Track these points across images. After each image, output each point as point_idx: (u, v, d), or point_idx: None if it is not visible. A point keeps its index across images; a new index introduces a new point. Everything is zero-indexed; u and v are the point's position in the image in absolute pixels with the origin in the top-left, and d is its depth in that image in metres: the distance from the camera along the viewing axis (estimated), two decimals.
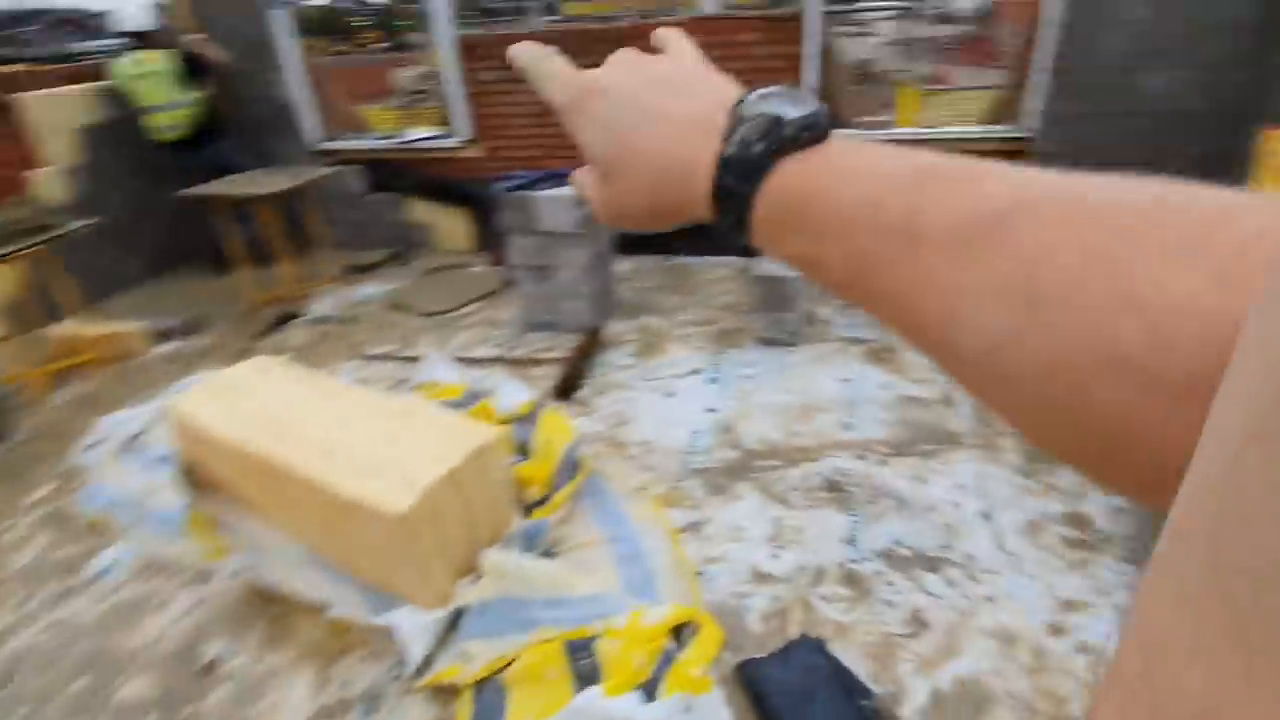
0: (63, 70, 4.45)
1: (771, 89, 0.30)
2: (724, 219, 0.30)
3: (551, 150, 4.36)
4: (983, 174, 0.24)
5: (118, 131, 4.25)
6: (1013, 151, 3.57)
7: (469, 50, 4.21)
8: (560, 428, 2.34)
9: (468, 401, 2.54)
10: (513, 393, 2.61)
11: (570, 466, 2.22)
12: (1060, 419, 0.20)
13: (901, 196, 0.25)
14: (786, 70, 3.81)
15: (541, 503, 2.14)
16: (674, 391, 2.88)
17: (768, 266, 3.07)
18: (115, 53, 4.28)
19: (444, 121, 4.53)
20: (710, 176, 0.29)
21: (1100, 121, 3.37)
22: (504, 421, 2.44)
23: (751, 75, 3.88)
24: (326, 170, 4.11)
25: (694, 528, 2.14)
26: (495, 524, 1.97)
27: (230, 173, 3.94)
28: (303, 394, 2.14)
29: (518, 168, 4.11)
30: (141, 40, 4.09)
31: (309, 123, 4.66)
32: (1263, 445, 0.09)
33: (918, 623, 1.78)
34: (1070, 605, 1.81)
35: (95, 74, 4.30)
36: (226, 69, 4.27)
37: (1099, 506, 2.11)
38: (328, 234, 4.44)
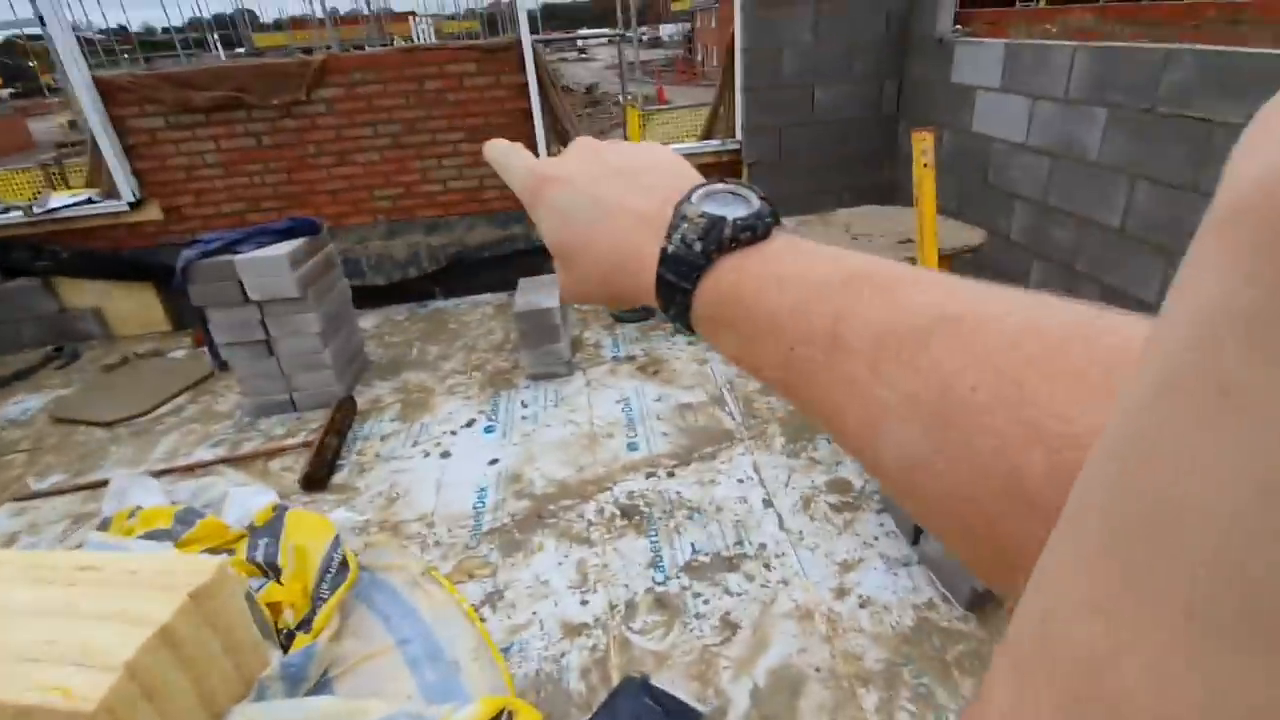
0: None
1: (717, 186, 0.31)
2: (668, 309, 0.31)
3: (256, 203, 3.78)
4: (909, 282, 0.24)
5: None
6: (728, 163, 3.95)
7: (119, 93, 3.46)
8: (315, 527, 1.98)
9: (184, 525, 2.03)
10: (247, 499, 2.15)
11: (334, 570, 1.87)
12: (974, 543, 0.21)
13: (828, 302, 0.25)
14: (510, 99, 3.76)
15: (304, 625, 1.77)
16: (450, 450, 2.64)
17: (528, 299, 2.98)
18: None
19: (98, 182, 3.67)
20: (654, 270, 0.30)
21: (789, 132, 3.90)
22: (238, 539, 1.99)
23: (477, 105, 3.72)
24: None
25: (494, 597, 1.96)
26: (244, 671, 1.58)
27: None
28: None
29: (219, 226, 3.49)
30: None
31: None
32: (1166, 400, 0.10)
33: (728, 626, 1.81)
34: (847, 565, 1.99)
35: None
36: None
37: (852, 470, 2.37)
38: None
